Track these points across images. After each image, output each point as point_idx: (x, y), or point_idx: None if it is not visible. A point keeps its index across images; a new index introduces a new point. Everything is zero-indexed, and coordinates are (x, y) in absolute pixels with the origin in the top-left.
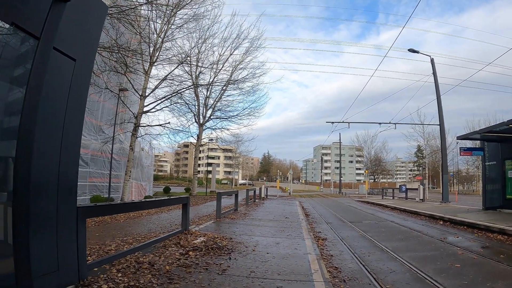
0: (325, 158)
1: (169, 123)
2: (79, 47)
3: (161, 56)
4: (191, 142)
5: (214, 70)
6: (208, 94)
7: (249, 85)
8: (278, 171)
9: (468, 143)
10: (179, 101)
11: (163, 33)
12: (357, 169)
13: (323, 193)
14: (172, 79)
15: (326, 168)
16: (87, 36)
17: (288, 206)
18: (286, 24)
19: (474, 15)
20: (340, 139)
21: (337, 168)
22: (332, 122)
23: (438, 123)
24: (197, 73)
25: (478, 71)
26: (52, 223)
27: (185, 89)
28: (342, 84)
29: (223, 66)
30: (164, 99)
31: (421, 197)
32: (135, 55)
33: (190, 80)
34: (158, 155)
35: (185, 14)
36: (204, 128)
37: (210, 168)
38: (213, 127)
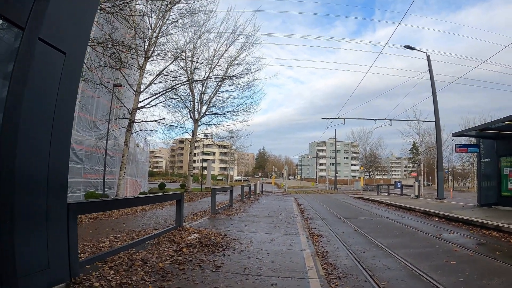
0: (320, 154)
1: (164, 119)
2: (69, 40)
3: (156, 52)
4: (186, 138)
5: (209, 65)
6: (203, 89)
7: (244, 81)
8: (274, 167)
9: (463, 140)
10: (174, 96)
11: (158, 28)
12: (352, 165)
13: (318, 189)
14: (167, 75)
15: (321, 164)
16: (78, 29)
17: (283, 202)
18: (282, 20)
19: (471, 12)
20: (335, 135)
21: (333, 164)
22: (328, 118)
23: (434, 120)
24: (192, 68)
25: (474, 68)
26: (41, 219)
27: (180, 85)
28: (337, 80)
29: (218, 61)
30: (159, 94)
31: (416, 194)
32: (130, 50)
33: (185, 76)
34: (153, 151)
35: (181, 9)
36: (199, 124)
37: (205, 164)
38: (208, 123)
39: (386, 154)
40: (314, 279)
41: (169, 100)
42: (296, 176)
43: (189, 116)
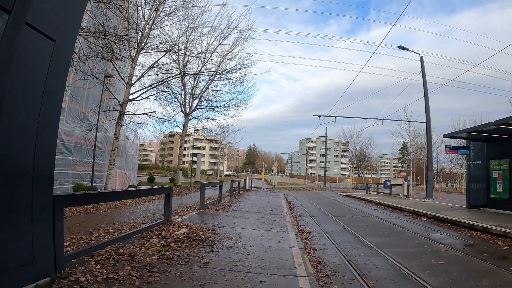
0: (310, 151)
1: (154, 112)
2: (58, 27)
3: (148, 44)
4: (176, 132)
5: (202, 59)
6: (195, 83)
7: (236, 76)
8: (263, 163)
9: (453, 142)
10: (166, 90)
11: (151, 20)
12: (342, 163)
13: (308, 186)
14: (159, 67)
15: (311, 161)
16: (68, 16)
17: (273, 198)
18: (277, 16)
19: (466, 16)
20: (326, 133)
21: (322, 162)
22: (319, 116)
23: (425, 121)
24: (185, 62)
25: (466, 71)
26: (26, 212)
27: (172, 78)
28: (330, 79)
29: (211, 55)
30: (150, 87)
31: (405, 193)
32: (122, 41)
33: (177, 69)
34: (143, 144)
35: (175, 1)
36: (190, 118)
37: (195, 159)
38: (199, 117)
39: (376, 154)
40: (303, 276)
41: (161, 93)
42: (285, 173)
43: (180, 109)
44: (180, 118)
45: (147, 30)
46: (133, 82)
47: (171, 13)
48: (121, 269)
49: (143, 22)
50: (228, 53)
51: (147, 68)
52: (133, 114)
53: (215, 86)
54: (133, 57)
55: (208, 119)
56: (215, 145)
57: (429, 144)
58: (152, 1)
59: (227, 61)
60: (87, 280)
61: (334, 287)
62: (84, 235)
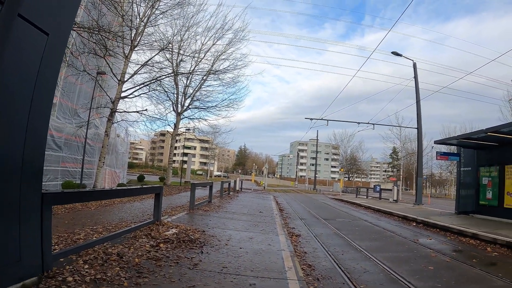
0: (301, 154)
1: (146, 110)
2: (52, 21)
3: (142, 41)
4: (167, 131)
5: (196, 59)
6: (188, 83)
7: (230, 77)
8: (254, 164)
9: (443, 148)
10: (158, 88)
11: (146, 18)
12: (332, 166)
13: (298, 189)
14: (152, 65)
15: (301, 164)
16: (62, 10)
17: (263, 200)
18: (272, 18)
19: (460, 24)
20: (317, 136)
21: (313, 164)
22: (311, 119)
23: (416, 127)
24: (178, 61)
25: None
26: (13, 209)
27: (165, 77)
28: (322, 82)
29: (205, 55)
30: (143, 85)
31: (395, 198)
32: (116, 38)
33: (171, 68)
34: (133, 143)
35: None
36: (181, 117)
37: (185, 158)
38: (191, 117)
39: (366, 158)
40: (293, 280)
41: (153, 91)
42: (276, 175)
43: (172, 108)
44: (171, 117)
45: (142, 27)
46: (125, 79)
47: (166, 11)
48: (110, 270)
49: (138, 19)
50: (222, 54)
51: (140, 65)
52: (125, 111)
53: (207, 86)
54: (126, 54)
55: (200, 119)
56: (206, 145)
57: (419, 150)
58: None
59: (221, 62)
60: (74, 280)
61: None
62: (72, 233)
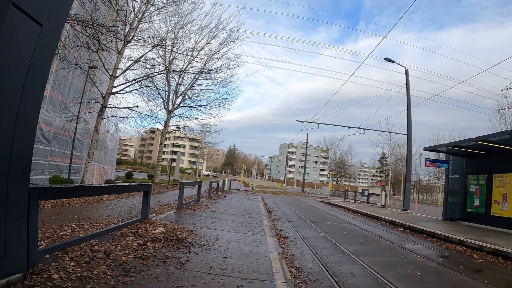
0: (290, 156)
1: (137, 106)
2: (47, 12)
3: (136, 37)
4: (157, 128)
5: (189, 57)
6: (180, 81)
7: (222, 76)
8: (243, 165)
9: (432, 155)
10: (150, 85)
11: (141, 13)
12: (321, 170)
13: (286, 191)
14: (145, 62)
15: (290, 166)
16: (57, 1)
17: (251, 201)
18: (266, 19)
19: (454, 33)
20: (307, 139)
21: (302, 167)
22: (302, 121)
23: (406, 133)
24: (171, 58)
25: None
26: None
27: (157, 73)
28: (314, 85)
29: (198, 54)
30: (134, 81)
31: (383, 203)
32: (110, 32)
33: (163, 65)
34: (123, 139)
35: None
36: (172, 115)
37: (175, 157)
38: (182, 115)
39: (355, 162)
40: (281, 282)
41: (144, 88)
42: (264, 176)
43: (163, 106)
44: (162, 114)
45: (136, 23)
46: (117, 75)
47: (161, 7)
48: (96, 267)
49: (132, 15)
50: (215, 53)
51: (132, 61)
52: (115, 107)
53: (199, 84)
54: (119, 50)
55: (191, 118)
56: (196, 144)
57: (409, 156)
58: None
59: (214, 61)
60: (60, 278)
61: None
62: (58, 229)
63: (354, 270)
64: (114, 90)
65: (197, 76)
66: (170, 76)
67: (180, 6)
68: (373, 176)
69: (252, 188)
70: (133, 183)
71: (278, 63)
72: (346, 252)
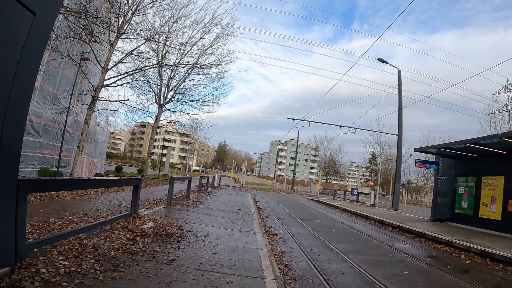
0: (281, 153)
1: (128, 100)
2: (40, 1)
3: (129, 30)
4: (148, 123)
5: (182, 51)
6: (172, 75)
7: (214, 72)
8: (233, 161)
9: (421, 156)
10: (142, 78)
11: (135, 6)
12: (311, 168)
13: (276, 188)
14: (137, 55)
15: (281, 163)
16: None
17: (240, 197)
18: (261, 16)
19: (447, 37)
20: (298, 137)
21: (292, 164)
22: (293, 119)
23: (397, 133)
24: (164, 52)
25: (442, 90)
26: None
27: (149, 67)
28: (307, 83)
29: (191, 48)
30: (126, 74)
31: (372, 202)
32: (103, 24)
33: (156, 59)
34: (113, 132)
35: None
36: (163, 109)
37: (165, 151)
38: (173, 110)
39: (345, 161)
40: (270, 279)
41: (136, 81)
42: (254, 173)
43: (154, 100)
44: (153, 108)
45: (130, 15)
46: (109, 67)
47: (155, 0)
48: (85, 262)
49: (126, 7)
50: (208, 48)
51: (125, 54)
52: (106, 100)
53: (192, 79)
54: (112, 42)
55: (182, 113)
56: (186, 139)
57: (399, 156)
58: None
59: (207, 56)
60: (48, 272)
61: None
62: (47, 222)
63: (343, 268)
64: (105, 82)
65: (189, 71)
66: (163, 70)
67: (174, 0)
68: (363, 175)
69: (242, 184)
70: (123, 177)
71: (271, 60)
72: (335, 250)
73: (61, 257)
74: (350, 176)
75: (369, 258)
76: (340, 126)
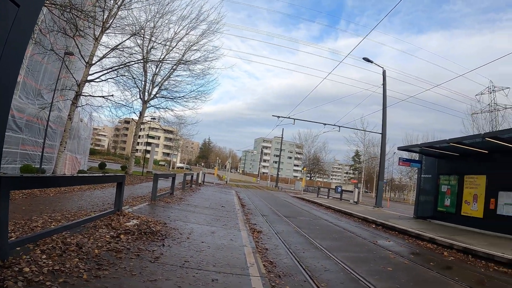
0: (265, 151)
1: (112, 95)
2: None
3: (114, 24)
4: (132, 119)
5: (167, 47)
6: (157, 71)
7: (200, 68)
8: (217, 158)
9: (405, 155)
10: (126, 74)
11: (120, 0)
12: (295, 165)
13: (260, 185)
14: (122, 50)
15: (265, 161)
16: None
17: (225, 194)
18: (247, 13)
19: (433, 38)
20: (282, 134)
21: (276, 162)
22: (278, 117)
23: (380, 132)
24: (149, 48)
25: (426, 90)
26: None
27: (134, 63)
28: (292, 81)
29: (176, 44)
30: (111, 69)
31: (356, 200)
32: (88, 18)
33: (141, 54)
34: (97, 129)
35: None
36: (148, 106)
37: (149, 148)
38: (158, 106)
39: (329, 159)
40: (255, 276)
41: (121, 77)
42: (238, 170)
43: (138, 96)
44: (137, 104)
45: (115, 9)
46: (93, 62)
47: None
48: (68, 261)
49: (112, 1)
50: (194, 44)
51: (110, 49)
52: (90, 96)
53: (177, 76)
54: (96, 36)
55: (166, 109)
56: (171, 135)
57: (382, 155)
58: None
59: (192, 52)
60: (31, 271)
61: None
62: (29, 220)
63: (327, 265)
64: (89, 78)
65: (174, 67)
66: (148, 66)
67: None
68: (347, 173)
69: (226, 181)
70: (106, 174)
71: (257, 57)
72: (319, 247)
73: (44, 256)
74: (334, 173)
75: (353, 255)
76: (325, 124)
